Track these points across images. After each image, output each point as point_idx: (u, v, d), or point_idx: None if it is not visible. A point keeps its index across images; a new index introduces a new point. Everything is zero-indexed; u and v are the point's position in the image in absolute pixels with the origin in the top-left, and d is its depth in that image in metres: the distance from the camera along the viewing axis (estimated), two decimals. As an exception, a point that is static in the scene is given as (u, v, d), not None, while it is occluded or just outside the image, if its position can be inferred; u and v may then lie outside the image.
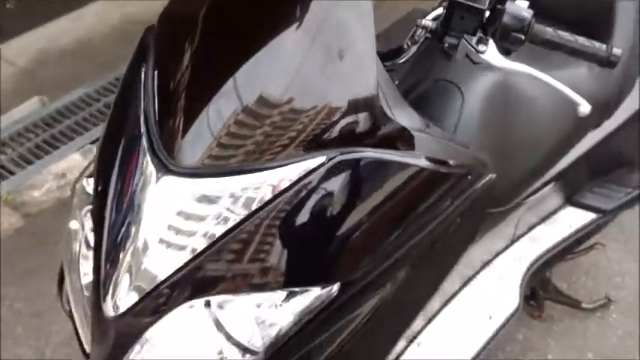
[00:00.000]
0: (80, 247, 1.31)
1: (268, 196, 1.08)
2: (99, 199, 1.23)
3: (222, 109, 1.11)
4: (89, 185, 1.32)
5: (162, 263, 1.13)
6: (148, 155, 1.14)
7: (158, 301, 1.14)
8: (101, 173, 1.25)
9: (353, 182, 1.10)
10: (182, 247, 1.11)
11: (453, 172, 1.21)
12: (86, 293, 1.29)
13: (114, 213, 1.18)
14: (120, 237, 1.16)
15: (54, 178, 2.71)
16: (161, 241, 1.12)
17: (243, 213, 1.09)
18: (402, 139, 1.12)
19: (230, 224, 1.10)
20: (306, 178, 1.08)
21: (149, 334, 1.16)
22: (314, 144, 1.08)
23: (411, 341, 1.79)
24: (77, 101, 3.01)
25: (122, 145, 1.22)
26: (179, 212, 1.11)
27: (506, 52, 1.26)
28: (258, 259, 1.11)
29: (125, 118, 1.23)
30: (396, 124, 1.12)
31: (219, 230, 1.10)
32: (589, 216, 2.03)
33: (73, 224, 1.33)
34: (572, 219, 2.03)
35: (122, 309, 1.15)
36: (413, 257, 1.24)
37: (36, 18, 3.25)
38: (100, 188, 1.23)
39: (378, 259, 1.17)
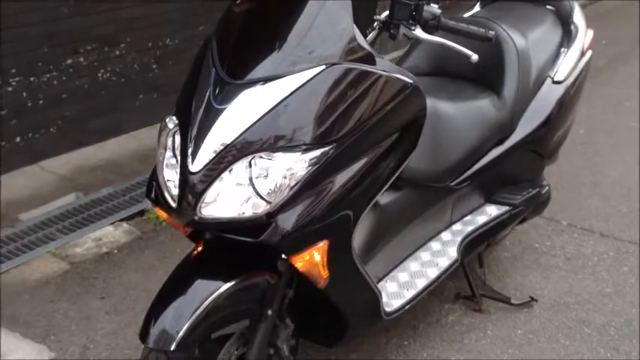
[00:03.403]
0: (166, 157, 2.06)
1: (292, 89, 1.90)
2: (185, 111, 2.00)
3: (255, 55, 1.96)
4: (170, 120, 2.09)
5: (224, 138, 1.90)
6: (217, 77, 1.96)
7: (221, 161, 1.89)
8: (184, 101, 2.04)
9: (340, 81, 1.92)
10: (235, 129, 1.90)
11: (401, 80, 2.04)
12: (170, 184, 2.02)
13: (194, 115, 1.97)
14: (197, 127, 1.94)
15: (92, 241, 3.41)
16: (224, 126, 1.90)
17: (275, 101, 1.89)
18: (368, 59, 1.98)
19: (266, 108, 1.89)
20: (315, 77, 1.90)
21: (215, 185, 1.90)
22: (318, 59, 1.92)
23: (380, 280, 2.49)
24: (107, 196, 3.77)
25: (199, 81, 2.02)
26: (235, 107, 1.91)
27: (429, 33, 2.18)
28: (284, 128, 1.90)
29: (199, 70, 2.05)
30: (366, 50, 1.97)
31: (260, 112, 1.89)
32: (503, 208, 2.83)
33: (161, 144, 2.08)
34: (492, 211, 2.82)
35: (200, 166, 1.90)
36: (379, 135, 2.03)
37: (73, 143, 4.11)
38: (184, 106, 2.02)
39: (356, 132, 1.95)
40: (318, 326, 2.35)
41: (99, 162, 4.12)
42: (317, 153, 1.91)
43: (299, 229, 1.92)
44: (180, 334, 1.91)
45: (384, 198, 2.41)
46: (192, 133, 1.95)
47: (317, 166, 1.91)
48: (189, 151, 1.94)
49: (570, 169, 4.25)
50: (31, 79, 3.83)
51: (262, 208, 1.90)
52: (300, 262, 1.97)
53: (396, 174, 2.15)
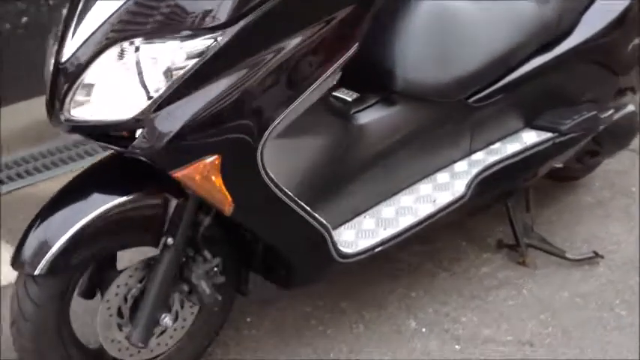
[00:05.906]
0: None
1: None
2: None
3: None
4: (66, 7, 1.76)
5: (97, 22, 1.54)
6: None
7: (89, 49, 1.54)
8: None
9: None
10: (107, 10, 1.54)
11: None
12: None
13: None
14: (79, 13, 1.61)
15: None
16: (100, 9, 1.55)
17: None
18: None
19: None
20: None
21: (89, 72, 1.55)
22: None
23: (358, 214, 2.02)
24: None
25: None
26: None
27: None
28: (162, 10, 1.51)
29: None
30: None
31: None
32: (545, 135, 2.20)
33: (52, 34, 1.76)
34: (529, 138, 2.21)
35: (69, 54, 1.57)
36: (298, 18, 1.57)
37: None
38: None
39: (262, 12, 1.50)
40: (268, 264, 1.94)
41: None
42: (201, 42, 1.51)
43: (177, 138, 1.53)
44: (47, 257, 1.62)
45: (365, 116, 1.95)
46: (73, 20, 1.63)
47: (201, 59, 1.51)
48: (66, 40, 1.61)
49: None
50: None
51: (134, 110, 1.53)
52: (187, 179, 1.57)
53: (329, 72, 1.65)
